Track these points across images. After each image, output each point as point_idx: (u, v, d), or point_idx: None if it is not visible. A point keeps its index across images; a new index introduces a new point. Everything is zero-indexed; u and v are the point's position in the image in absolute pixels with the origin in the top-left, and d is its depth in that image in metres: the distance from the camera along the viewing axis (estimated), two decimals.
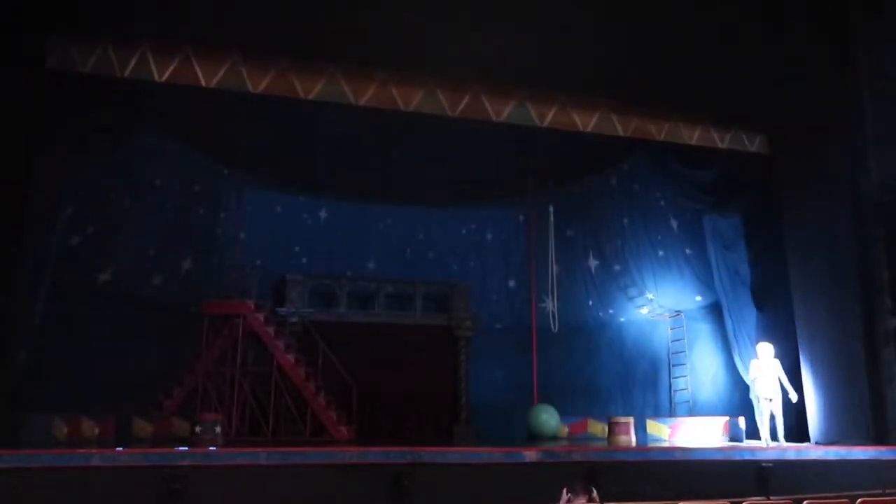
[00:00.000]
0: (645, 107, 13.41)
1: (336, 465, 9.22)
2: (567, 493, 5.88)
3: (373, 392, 15.24)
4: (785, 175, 13.38)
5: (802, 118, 12.81)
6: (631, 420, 12.87)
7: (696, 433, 13.59)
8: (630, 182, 16.65)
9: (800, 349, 12.55)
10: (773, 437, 11.57)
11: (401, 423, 15.52)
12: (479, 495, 9.14)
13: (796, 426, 12.25)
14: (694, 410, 15.11)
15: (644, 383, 16.48)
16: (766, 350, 11.90)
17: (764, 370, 11.75)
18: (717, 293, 14.67)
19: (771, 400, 11.62)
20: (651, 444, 13.21)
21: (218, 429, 10.69)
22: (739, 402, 13.96)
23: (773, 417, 11.60)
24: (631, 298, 16.87)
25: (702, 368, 15.50)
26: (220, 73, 11.50)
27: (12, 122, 9.99)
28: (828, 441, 11.46)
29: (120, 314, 13.74)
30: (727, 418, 13.62)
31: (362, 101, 12.66)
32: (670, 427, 14.38)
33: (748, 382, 13.26)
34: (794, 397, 11.58)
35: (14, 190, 10.19)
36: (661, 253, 16.31)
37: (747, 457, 10.29)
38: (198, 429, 10.67)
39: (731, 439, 13.03)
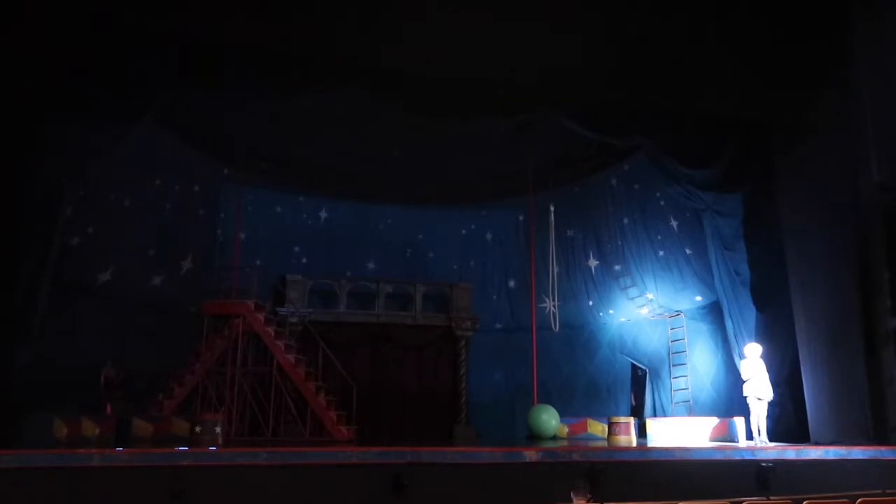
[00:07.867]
0: (645, 107, 13.40)
1: (336, 465, 9.21)
2: (575, 497, 5.86)
3: (373, 392, 15.25)
4: (785, 174, 13.38)
5: (802, 117, 12.81)
6: (631, 420, 12.84)
7: (696, 433, 13.56)
8: (630, 182, 16.66)
9: (799, 349, 12.55)
10: (752, 436, 11.64)
11: (401, 422, 15.53)
12: (480, 495, 9.13)
13: (796, 426, 12.25)
14: (694, 410, 15.09)
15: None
16: (753, 350, 11.96)
17: (754, 370, 11.81)
18: (717, 293, 14.66)
19: (760, 399, 11.68)
20: (651, 444, 13.20)
21: (218, 429, 10.67)
22: (739, 402, 13.95)
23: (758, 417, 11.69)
24: (631, 298, 16.85)
25: (702, 368, 15.50)
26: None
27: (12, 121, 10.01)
28: (828, 441, 11.45)
29: (120, 314, 13.74)
30: (726, 418, 13.60)
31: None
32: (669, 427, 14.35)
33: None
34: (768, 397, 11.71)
35: (15, 189, 10.20)
36: (661, 253, 16.31)
37: (747, 457, 10.27)
38: (198, 429, 10.66)
39: (730, 439, 13.02)
